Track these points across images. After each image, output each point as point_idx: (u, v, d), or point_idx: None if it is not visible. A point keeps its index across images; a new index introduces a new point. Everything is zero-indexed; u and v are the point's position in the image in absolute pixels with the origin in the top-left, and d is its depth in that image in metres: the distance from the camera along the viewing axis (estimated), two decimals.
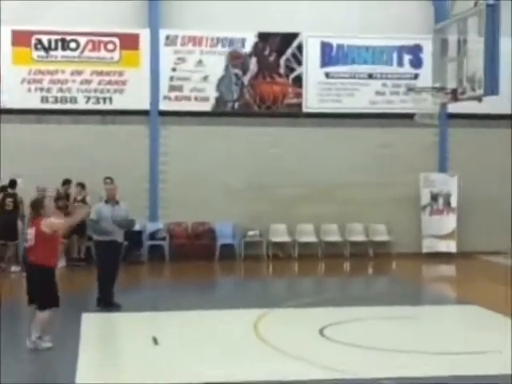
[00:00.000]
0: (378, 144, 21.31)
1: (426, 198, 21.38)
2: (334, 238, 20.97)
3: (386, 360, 9.75)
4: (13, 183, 18.76)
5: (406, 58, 21.73)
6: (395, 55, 21.70)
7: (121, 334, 11.79)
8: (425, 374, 8.96)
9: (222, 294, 16.66)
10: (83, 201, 19.10)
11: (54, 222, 10.36)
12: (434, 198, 21.31)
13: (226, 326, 11.80)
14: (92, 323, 11.92)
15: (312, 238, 20.88)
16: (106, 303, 13.13)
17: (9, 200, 18.54)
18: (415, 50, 21.67)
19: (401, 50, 21.69)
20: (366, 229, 21.24)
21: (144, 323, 12.55)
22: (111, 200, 13.50)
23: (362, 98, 21.47)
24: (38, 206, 10.64)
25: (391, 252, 20.96)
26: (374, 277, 19.64)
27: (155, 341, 10.63)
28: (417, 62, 21.65)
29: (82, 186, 19.26)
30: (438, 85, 16.17)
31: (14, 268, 17.85)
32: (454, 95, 15.53)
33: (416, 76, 21.50)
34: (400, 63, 21.72)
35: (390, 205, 20.97)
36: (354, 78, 21.53)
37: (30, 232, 10.43)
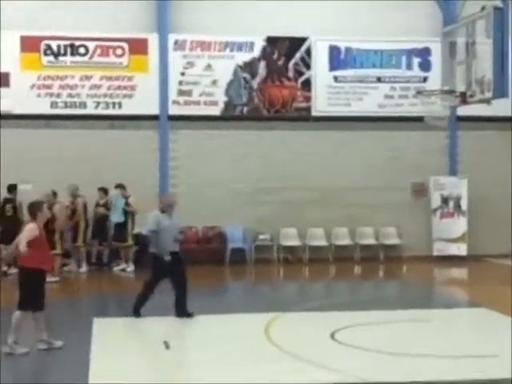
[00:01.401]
0: (388, 147, 21.29)
1: (436, 201, 21.35)
2: (345, 241, 20.95)
3: (397, 364, 9.71)
4: (11, 188, 18.79)
5: (415, 61, 21.72)
6: (404, 58, 21.69)
7: (132, 339, 11.78)
8: (436, 378, 8.92)
9: (232, 298, 16.64)
10: (105, 205, 19.18)
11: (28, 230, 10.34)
12: (445, 201, 21.27)
13: (237, 330, 11.78)
14: (103, 328, 11.91)
15: (322, 242, 20.86)
16: (182, 313, 12.64)
17: (8, 206, 18.60)
18: (424, 53, 21.65)
19: (409, 53, 21.67)
20: (376, 232, 21.21)
21: (155, 327, 12.55)
22: (169, 210, 12.95)
23: (371, 102, 21.46)
24: (33, 208, 10.63)
25: (402, 255, 20.92)
26: (385, 280, 19.59)
27: (166, 345, 10.62)
28: (426, 65, 21.63)
29: (104, 190, 19.27)
30: (447, 88, 16.14)
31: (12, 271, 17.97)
32: (464, 98, 15.51)
33: (425, 79, 21.50)
34: (409, 66, 21.71)
35: (401, 208, 20.95)
36: (363, 81, 21.52)
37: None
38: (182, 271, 12.88)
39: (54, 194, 18.50)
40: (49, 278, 16.75)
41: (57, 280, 17.02)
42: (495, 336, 11.32)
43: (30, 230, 10.28)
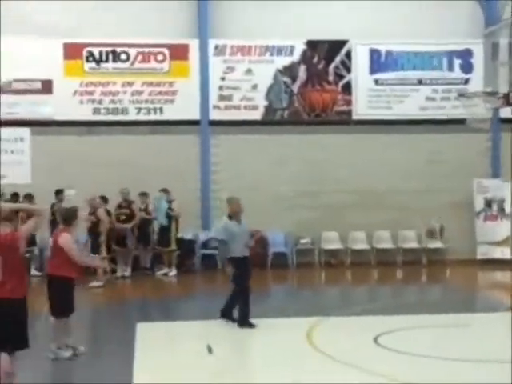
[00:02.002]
0: (430, 150, 21.13)
1: (479, 204, 21.14)
2: (387, 245, 20.83)
3: (441, 368, 9.64)
4: (58, 192, 18.95)
5: (457, 62, 21.54)
6: (445, 60, 21.52)
7: (175, 343, 11.82)
8: (479, 382, 8.83)
9: (274, 302, 16.63)
10: (146, 209, 19.32)
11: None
12: (488, 203, 21.05)
13: (279, 335, 11.76)
14: (147, 333, 11.98)
15: (364, 246, 20.78)
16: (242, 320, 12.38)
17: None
18: (465, 55, 21.46)
19: (451, 54, 21.50)
20: (418, 236, 21.06)
21: (198, 332, 12.60)
22: (236, 216, 12.71)
23: (412, 104, 21.33)
24: (68, 216, 10.70)
25: (445, 259, 20.74)
26: (428, 284, 19.44)
27: (209, 349, 10.65)
28: (467, 67, 21.45)
29: (145, 195, 19.41)
30: (489, 89, 15.96)
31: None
32: (506, 99, 15.31)
33: (467, 81, 21.31)
34: (450, 68, 21.54)
35: (443, 211, 20.76)
36: (404, 84, 21.40)
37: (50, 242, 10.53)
38: (247, 278, 12.64)
39: (104, 198, 18.68)
40: (94, 283, 17.10)
41: (101, 285, 17.20)
42: None
43: (68, 240, 10.34)
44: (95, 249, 17.83)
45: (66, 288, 10.32)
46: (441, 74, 21.51)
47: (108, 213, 18.82)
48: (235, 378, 9.43)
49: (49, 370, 9.09)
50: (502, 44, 15.81)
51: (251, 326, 12.26)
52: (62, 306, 10.21)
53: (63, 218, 10.71)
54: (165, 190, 19.29)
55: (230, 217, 12.70)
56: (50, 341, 10.40)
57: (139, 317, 13.46)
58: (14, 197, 18.50)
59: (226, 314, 12.68)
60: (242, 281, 12.49)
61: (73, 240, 10.47)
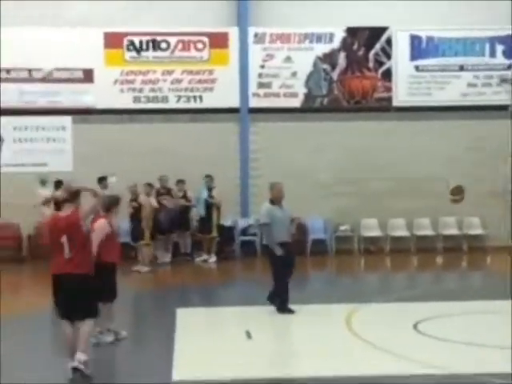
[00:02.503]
0: (471, 137, 20.96)
1: None
2: (427, 232, 20.75)
3: (482, 355, 9.61)
4: (100, 180, 19.05)
5: (499, 48, 21.32)
6: (487, 46, 21.30)
7: (215, 329, 11.93)
8: None
9: (314, 288, 16.66)
10: (184, 196, 19.45)
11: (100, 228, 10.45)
12: None
13: (319, 321, 11.80)
14: (186, 318, 12.09)
15: (404, 233, 20.72)
16: (281, 306, 12.39)
17: None
18: (508, 40, 21.26)
19: (493, 40, 21.27)
20: (459, 222, 20.93)
21: (237, 317, 12.70)
22: (278, 201, 12.75)
23: (453, 91, 21.17)
24: (109, 203, 10.70)
25: (485, 246, 20.60)
26: (468, 271, 19.33)
27: (249, 335, 10.73)
28: (510, 53, 21.23)
29: (182, 182, 19.52)
30: None
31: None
32: None
33: (509, 67, 21.11)
34: (492, 54, 21.32)
35: (484, 198, 20.59)
36: (445, 70, 21.25)
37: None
38: (292, 263, 12.72)
39: (150, 185, 18.81)
40: (140, 269, 17.30)
41: (147, 270, 17.42)
42: None
43: (101, 228, 10.45)
44: (136, 235, 18.03)
45: (108, 273, 10.40)
46: (482, 60, 21.30)
47: (158, 198, 19.03)
48: (273, 363, 9.48)
49: (90, 354, 9.21)
50: None
51: (290, 311, 12.31)
52: (104, 291, 10.31)
53: (104, 204, 10.79)
54: (208, 177, 19.37)
55: (272, 202, 12.74)
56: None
57: (179, 303, 13.57)
58: (58, 184, 18.70)
59: (272, 299, 12.61)
60: (277, 268, 12.50)
61: (109, 227, 10.54)
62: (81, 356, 8.75)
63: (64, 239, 8.78)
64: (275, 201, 12.74)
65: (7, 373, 8.90)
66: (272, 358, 9.75)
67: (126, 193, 17.98)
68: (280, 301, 12.42)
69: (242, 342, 10.48)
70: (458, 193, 11.30)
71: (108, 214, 10.65)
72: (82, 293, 8.81)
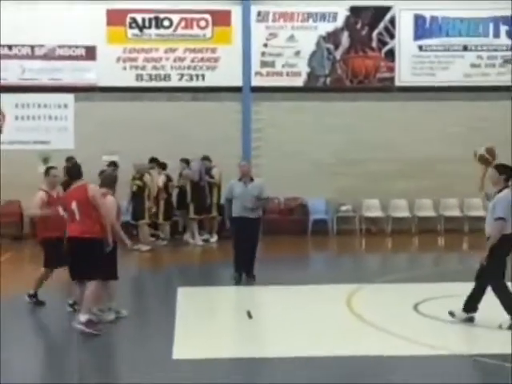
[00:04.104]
0: (473, 118, 20.88)
1: None
2: (428, 213, 20.75)
3: (482, 336, 9.66)
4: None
5: (503, 28, 21.22)
6: (491, 26, 21.20)
7: (216, 308, 11.97)
8: None
9: (315, 269, 16.72)
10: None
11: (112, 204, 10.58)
12: None
13: (320, 301, 11.82)
14: (188, 297, 12.12)
15: (405, 213, 20.72)
16: (239, 275, 13.36)
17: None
18: None
19: (497, 20, 21.17)
20: (461, 203, 20.93)
21: (238, 297, 12.74)
22: (244, 177, 13.46)
23: (457, 71, 21.10)
24: (110, 180, 10.94)
25: None
26: (469, 252, 19.31)
27: (249, 315, 10.76)
28: None
29: (186, 161, 19.39)
30: None
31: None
32: None
33: None
34: (496, 34, 21.22)
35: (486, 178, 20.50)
36: (448, 50, 21.17)
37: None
38: (247, 238, 13.34)
39: (161, 164, 18.77)
40: (141, 247, 17.30)
41: (148, 249, 17.43)
42: None
43: (113, 205, 10.49)
44: (138, 214, 17.99)
45: (110, 251, 10.41)
46: (486, 41, 21.21)
47: (168, 178, 18.97)
48: (273, 343, 9.51)
49: (91, 333, 9.25)
50: None
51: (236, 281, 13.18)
52: (105, 269, 10.33)
53: (103, 181, 10.87)
54: (206, 158, 19.32)
55: (240, 178, 13.53)
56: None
57: (181, 282, 13.60)
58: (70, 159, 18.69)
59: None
60: (234, 240, 13.57)
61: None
62: (80, 317, 9.56)
63: (74, 206, 9.80)
64: (241, 178, 13.52)
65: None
66: (273, 339, 9.77)
67: (132, 171, 18.04)
68: (234, 268, 13.36)
69: (243, 322, 10.52)
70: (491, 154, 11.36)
71: (109, 191, 10.67)
72: (86, 254, 9.67)
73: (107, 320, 10.36)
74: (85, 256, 9.75)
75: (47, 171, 11.50)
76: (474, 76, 21.14)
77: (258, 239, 13.72)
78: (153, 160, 18.91)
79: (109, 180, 10.93)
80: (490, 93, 20.75)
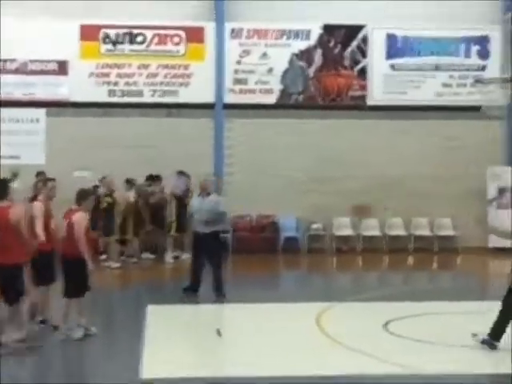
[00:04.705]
0: (444, 137, 21.04)
1: (492, 192, 21.06)
2: (399, 232, 20.82)
3: (451, 355, 9.66)
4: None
5: (474, 49, 21.41)
6: (462, 46, 21.39)
7: (186, 327, 11.88)
8: (491, 371, 8.86)
9: (285, 287, 16.70)
10: (162, 192, 19.28)
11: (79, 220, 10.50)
12: (501, 191, 20.98)
13: (290, 320, 11.81)
14: (157, 315, 12.05)
15: (376, 232, 20.77)
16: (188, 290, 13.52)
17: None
18: (483, 41, 21.33)
19: (468, 41, 21.37)
20: (431, 223, 21.02)
21: (208, 316, 12.68)
22: (202, 192, 13.82)
23: (428, 90, 21.24)
24: (79, 196, 10.78)
25: (457, 246, 20.70)
26: (439, 271, 19.43)
27: (219, 333, 10.72)
28: (484, 53, 21.32)
29: (157, 177, 19.26)
30: (506, 76, 15.89)
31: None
32: None
33: (483, 67, 21.19)
34: (467, 54, 21.41)
35: (456, 198, 20.71)
36: (420, 69, 21.32)
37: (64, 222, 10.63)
38: (209, 253, 13.44)
39: (129, 182, 18.65)
40: (111, 264, 17.18)
41: (118, 266, 17.31)
42: None
43: (82, 221, 10.42)
44: (108, 230, 17.86)
45: (81, 268, 10.36)
46: (458, 61, 21.38)
47: (138, 194, 18.76)
48: (243, 362, 9.46)
49: (59, 350, 9.16)
50: None
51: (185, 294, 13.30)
52: (76, 286, 10.28)
53: (76, 197, 10.79)
54: (182, 173, 19.25)
55: (199, 194, 13.97)
56: (61, 321, 10.46)
57: (151, 299, 13.52)
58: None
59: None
60: (194, 255, 13.74)
61: (87, 220, 10.59)
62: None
63: None
64: (200, 193, 13.92)
65: None
66: (242, 357, 9.72)
67: (102, 187, 17.95)
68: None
69: (212, 340, 10.47)
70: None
71: (79, 207, 10.61)
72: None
73: (75, 338, 10.26)
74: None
75: (45, 183, 11.39)
76: (446, 95, 21.31)
77: (218, 256, 13.73)
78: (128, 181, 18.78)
79: (79, 196, 10.87)
80: (460, 112, 20.92)
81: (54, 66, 20.33)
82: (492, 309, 12.90)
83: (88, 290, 10.59)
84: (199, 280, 13.48)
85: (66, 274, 10.47)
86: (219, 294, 13.32)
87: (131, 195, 18.62)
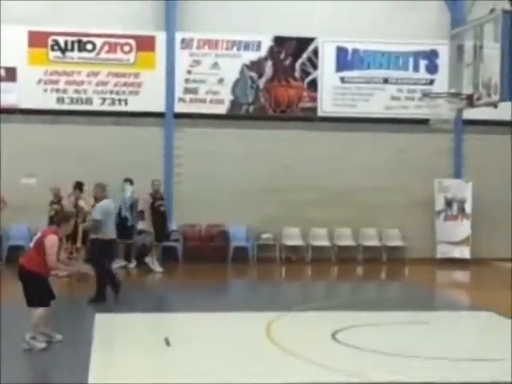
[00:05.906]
0: (393, 149, 21.27)
1: (440, 204, 21.33)
2: (348, 242, 20.95)
3: (398, 364, 9.72)
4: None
5: (422, 63, 21.70)
6: (411, 60, 21.66)
7: (133, 335, 11.77)
8: (437, 380, 8.93)
9: (234, 296, 16.66)
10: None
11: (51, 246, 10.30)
12: (449, 203, 21.26)
13: (238, 329, 11.79)
14: (105, 324, 11.93)
15: (325, 242, 20.87)
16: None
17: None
18: (431, 56, 21.63)
19: (417, 55, 21.65)
20: (379, 234, 21.21)
21: (156, 324, 12.59)
22: (97, 201, 14.45)
23: (377, 103, 21.45)
24: (62, 219, 10.72)
25: (405, 257, 20.91)
26: (387, 282, 19.60)
27: (167, 342, 10.64)
28: (432, 68, 21.62)
29: (102, 186, 19.06)
30: (453, 90, 16.09)
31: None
32: (470, 101, 15.43)
33: (431, 81, 21.48)
34: (416, 68, 21.69)
35: (404, 210, 20.94)
36: (370, 82, 21.52)
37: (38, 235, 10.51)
38: (93, 261, 14.01)
39: (80, 187, 18.30)
40: (59, 272, 16.92)
41: (66, 274, 17.05)
42: (497, 339, 11.35)
43: (53, 245, 10.26)
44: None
45: (41, 280, 10.24)
46: (406, 74, 21.65)
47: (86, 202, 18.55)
48: (191, 371, 9.39)
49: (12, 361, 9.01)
50: (468, 46, 15.93)
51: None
52: (38, 296, 10.13)
53: (57, 218, 10.73)
54: (129, 180, 19.14)
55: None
56: (24, 331, 10.28)
57: (98, 308, 13.37)
58: None
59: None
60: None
61: (59, 242, 10.40)
62: None
63: None
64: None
65: None
66: (190, 366, 9.65)
67: (50, 195, 17.73)
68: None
69: (161, 350, 10.38)
70: None
71: (58, 229, 10.49)
72: None
73: (38, 348, 10.09)
74: None
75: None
76: (394, 108, 21.55)
77: (96, 262, 13.91)
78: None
79: (60, 218, 10.83)
80: (409, 125, 21.17)
81: (1, 72, 20.06)
82: (438, 319, 13.11)
83: (53, 297, 10.43)
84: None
85: (26, 286, 10.29)
86: (93, 299, 13.62)
87: (83, 202, 18.35)
